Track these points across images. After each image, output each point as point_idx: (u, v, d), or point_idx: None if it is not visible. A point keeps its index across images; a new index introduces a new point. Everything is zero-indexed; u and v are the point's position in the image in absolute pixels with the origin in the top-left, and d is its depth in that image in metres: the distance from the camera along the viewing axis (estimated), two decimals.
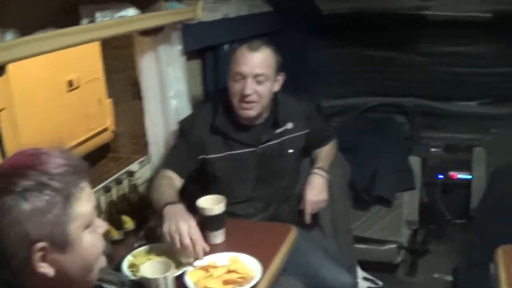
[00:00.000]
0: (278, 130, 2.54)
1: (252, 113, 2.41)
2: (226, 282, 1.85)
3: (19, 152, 1.20)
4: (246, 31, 3.12)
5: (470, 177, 4.08)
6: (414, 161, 3.91)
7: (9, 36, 1.58)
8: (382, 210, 3.62)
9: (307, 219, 2.59)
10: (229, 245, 2.14)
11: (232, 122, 2.48)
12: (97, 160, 2.80)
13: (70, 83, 3.25)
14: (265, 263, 1.97)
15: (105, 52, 2.63)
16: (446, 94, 4.44)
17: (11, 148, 1.80)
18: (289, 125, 2.56)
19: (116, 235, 2.24)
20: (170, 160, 2.46)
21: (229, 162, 2.48)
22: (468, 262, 3.15)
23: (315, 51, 4.28)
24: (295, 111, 2.61)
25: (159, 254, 2.05)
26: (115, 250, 2.13)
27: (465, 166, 4.15)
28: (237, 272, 1.90)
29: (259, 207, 2.58)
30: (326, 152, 2.79)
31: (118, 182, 2.38)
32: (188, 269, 1.94)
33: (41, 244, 1.09)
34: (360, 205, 3.61)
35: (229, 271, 1.91)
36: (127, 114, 2.73)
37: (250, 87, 2.35)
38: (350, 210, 3.34)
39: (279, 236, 2.24)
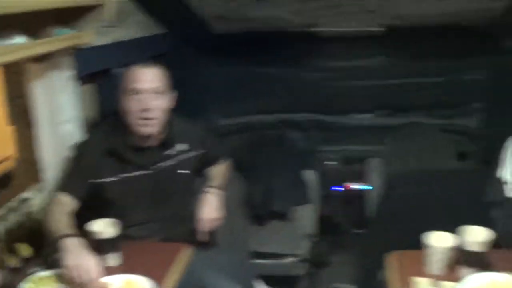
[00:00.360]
0: (172, 151, 2.66)
1: (152, 129, 2.51)
2: None
3: None
4: (139, 53, 3.21)
5: (366, 187, 4.32)
6: (310, 175, 4.11)
7: None
8: (280, 225, 3.80)
9: (203, 237, 2.72)
10: (125, 268, 2.24)
11: (127, 144, 2.57)
12: None
13: None
14: (160, 284, 2.11)
15: (6, 77, 2.62)
16: (341, 107, 4.70)
17: None
18: (183, 146, 2.69)
19: (13, 263, 2.27)
20: (65, 184, 2.53)
21: (123, 185, 2.56)
22: (366, 270, 3.33)
23: (210, 70, 4.36)
24: (189, 131, 2.75)
25: (58, 281, 2.14)
26: (13, 278, 2.19)
27: (362, 177, 4.41)
28: None
29: (155, 229, 2.66)
30: (220, 171, 2.94)
31: (14, 210, 2.45)
32: None
33: None
34: (257, 221, 3.77)
35: None
36: (22, 140, 2.74)
37: (149, 102, 2.46)
38: (247, 226, 3.49)
39: (173, 256, 2.37)
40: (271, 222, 3.84)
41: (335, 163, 4.61)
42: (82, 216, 2.45)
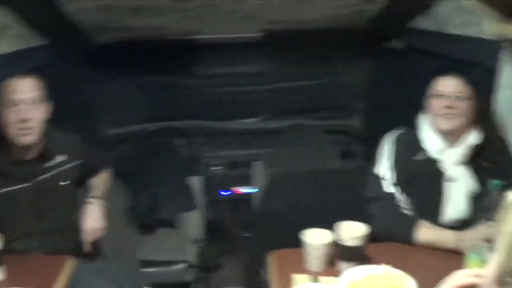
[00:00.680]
0: (52, 163, 2.66)
1: (31, 138, 2.50)
2: None
3: None
4: (19, 66, 3.09)
5: (253, 190, 4.35)
6: (196, 181, 4.14)
7: None
8: (167, 232, 3.80)
9: (86, 248, 2.73)
10: (9, 282, 2.18)
11: (8, 158, 2.55)
12: None
13: None
14: None
15: None
16: (225, 113, 4.77)
17: None
18: (62, 157, 2.70)
19: None
20: None
21: (5, 199, 2.54)
22: (252, 271, 3.38)
23: (95, 81, 4.32)
24: (67, 142, 2.75)
25: None
26: None
27: (248, 180, 4.45)
28: None
29: (39, 242, 2.63)
30: (101, 181, 2.97)
31: None
32: None
33: None
34: (145, 229, 3.76)
35: None
36: None
37: (27, 112, 2.46)
38: (134, 235, 3.48)
39: (58, 269, 2.34)
40: (159, 230, 3.84)
41: (221, 168, 4.65)
42: None
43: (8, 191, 2.56)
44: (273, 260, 2.31)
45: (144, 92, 4.56)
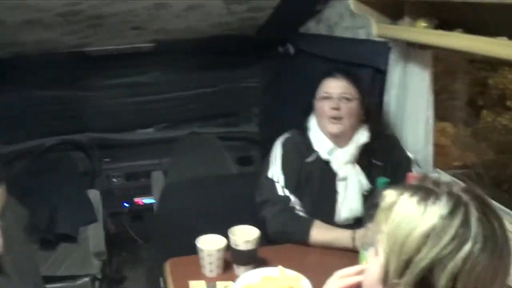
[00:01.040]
0: None
1: None
2: None
3: None
4: None
5: (154, 200, 4.31)
6: (95, 194, 4.04)
7: None
8: (69, 247, 3.68)
9: None
10: None
11: None
12: None
13: None
14: None
15: None
16: (122, 124, 4.71)
17: None
18: None
19: None
20: None
21: None
22: (153, 281, 3.37)
23: None
24: None
25: None
26: None
27: (148, 191, 4.44)
28: None
29: None
30: None
31: None
32: None
33: None
34: (46, 245, 3.63)
35: None
36: None
37: None
38: (33, 252, 3.36)
39: None
40: (61, 244, 3.71)
41: (121, 179, 4.58)
42: None
43: None
44: (169, 268, 2.27)
45: (38, 107, 4.41)
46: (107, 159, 4.61)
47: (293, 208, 2.50)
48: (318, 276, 1.74)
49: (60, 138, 4.55)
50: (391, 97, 2.82)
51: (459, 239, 1.11)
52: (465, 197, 1.16)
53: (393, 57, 2.74)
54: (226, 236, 2.19)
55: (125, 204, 4.54)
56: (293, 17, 3.65)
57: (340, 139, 2.54)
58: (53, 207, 3.72)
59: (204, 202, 3.21)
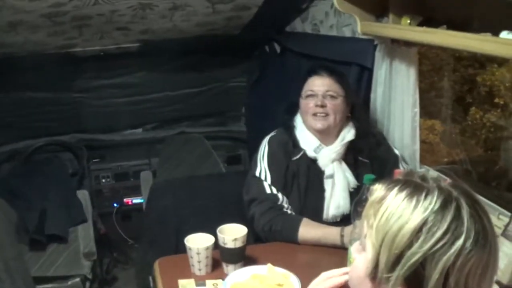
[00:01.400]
0: None
1: None
2: None
3: None
4: None
5: (143, 200, 4.31)
6: (84, 195, 4.04)
7: None
8: (59, 247, 3.65)
9: None
10: None
11: None
12: None
13: None
14: None
15: None
16: (110, 125, 4.70)
17: None
18: None
19: None
20: None
21: None
22: (142, 280, 3.36)
23: None
24: None
25: None
26: None
27: (137, 191, 4.44)
28: None
29: None
30: None
31: None
32: None
33: None
34: (36, 246, 3.59)
35: None
36: None
37: None
38: (23, 253, 3.35)
39: None
40: (51, 245, 3.67)
41: (109, 179, 4.53)
42: None
43: None
44: (158, 267, 2.25)
45: (26, 108, 4.39)
46: (95, 160, 4.57)
47: (281, 206, 2.49)
48: (307, 273, 1.73)
49: (49, 139, 4.51)
50: (378, 94, 2.81)
51: (452, 234, 1.10)
52: (454, 192, 1.15)
53: (378, 55, 2.74)
54: (215, 235, 2.18)
55: (115, 204, 4.52)
56: (278, 15, 3.64)
57: (326, 137, 2.53)
58: (42, 208, 3.70)
59: (193, 201, 3.19)
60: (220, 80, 4.79)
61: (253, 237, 2.44)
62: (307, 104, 2.53)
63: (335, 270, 1.47)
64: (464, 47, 1.94)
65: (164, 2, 3.20)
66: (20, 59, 3.88)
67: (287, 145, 2.58)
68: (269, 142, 2.62)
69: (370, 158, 2.59)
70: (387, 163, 2.56)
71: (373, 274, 1.19)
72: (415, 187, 1.17)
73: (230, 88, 4.85)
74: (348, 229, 2.28)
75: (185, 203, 3.17)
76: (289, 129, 2.60)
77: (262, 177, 2.55)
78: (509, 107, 3.70)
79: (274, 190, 2.51)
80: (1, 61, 3.84)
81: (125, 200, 4.54)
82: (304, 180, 2.55)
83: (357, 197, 2.10)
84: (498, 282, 1.88)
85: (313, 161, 2.54)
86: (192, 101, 4.75)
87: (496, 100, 3.74)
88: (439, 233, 1.10)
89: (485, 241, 1.12)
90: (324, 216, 2.53)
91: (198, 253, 2.12)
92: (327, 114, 2.49)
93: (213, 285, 2.07)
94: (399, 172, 2.18)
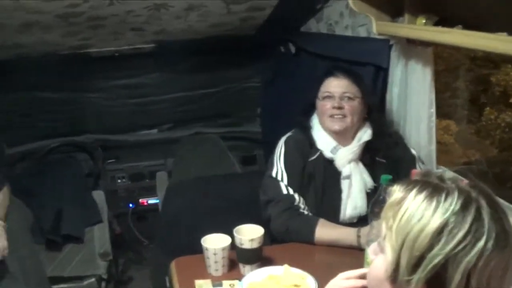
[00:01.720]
0: None
1: None
2: None
3: None
4: None
5: (158, 201, 4.35)
6: (99, 195, 4.06)
7: None
8: (75, 247, 3.68)
9: None
10: None
11: None
12: None
13: None
14: None
15: None
16: (125, 125, 4.72)
17: None
18: None
19: None
20: None
21: None
22: (158, 280, 3.37)
23: None
24: None
25: None
26: None
27: (153, 191, 4.46)
28: None
29: None
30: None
31: None
32: None
33: None
34: (52, 246, 3.63)
35: None
36: None
37: None
38: (38, 253, 3.37)
39: None
40: (66, 245, 3.71)
41: (125, 180, 4.55)
42: None
43: None
44: (175, 268, 2.26)
45: (41, 109, 4.43)
46: (111, 160, 4.60)
47: (297, 207, 2.48)
48: (324, 274, 1.74)
49: (64, 140, 4.55)
50: (393, 95, 2.81)
51: (473, 235, 1.09)
52: (474, 193, 1.15)
53: (394, 55, 2.73)
54: (231, 235, 2.18)
55: (130, 205, 4.54)
56: (293, 16, 3.64)
57: (343, 137, 2.53)
58: (57, 208, 3.72)
59: (208, 201, 3.20)
60: (235, 81, 4.80)
61: (269, 238, 2.44)
62: (324, 105, 2.52)
63: (352, 271, 1.47)
64: (480, 46, 1.93)
65: (179, 2, 3.21)
66: (35, 60, 3.91)
67: (304, 146, 2.58)
68: (286, 142, 2.62)
69: (387, 158, 2.58)
70: (404, 163, 2.54)
71: (393, 277, 1.18)
72: (434, 188, 1.16)
73: (245, 88, 4.86)
74: (364, 230, 2.27)
75: (200, 204, 3.18)
76: (306, 129, 2.60)
77: (279, 178, 2.54)
78: None
79: (291, 191, 2.50)
80: (16, 62, 3.89)
81: (140, 200, 4.56)
82: (320, 180, 2.55)
83: (374, 197, 2.09)
84: None
85: (330, 161, 2.53)
86: (207, 102, 4.76)
87: (511, 100, 3.72)
88: (460, 235, 1.09)
89: (505, 242, 1.11)
90: (341, 217, 2.53)
91: (215, 254, 2.13)
92: (344, 116, 2.49)
93: (230, 285, 2.07)
94: (416, 172, 2.17)
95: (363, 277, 1.41)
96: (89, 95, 4.51)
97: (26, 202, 3.42)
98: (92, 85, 4.48)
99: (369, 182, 2.52)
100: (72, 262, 3.65)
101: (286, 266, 2.05)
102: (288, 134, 2.66)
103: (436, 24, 2.29)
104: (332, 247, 2.37)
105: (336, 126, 2.49)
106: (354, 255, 2.23)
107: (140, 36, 3.82)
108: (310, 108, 2.63)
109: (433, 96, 2.58)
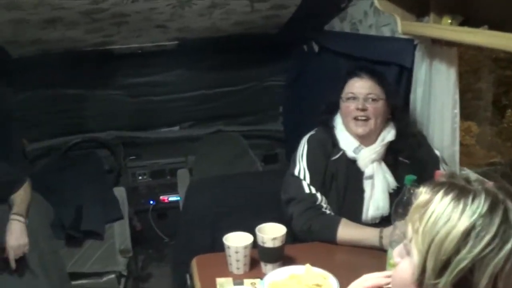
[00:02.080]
0: None
1: None
2: None
3: None
4: None
5: (179, 198, 4.36)
6: (121, 192, 4.08)
7: None
8: (95, 243, 3.70)
9: (12, 265, 2.68)
10: None
11: None
12: None
13: None
14: None
15: None
16: (146, 122, 4.77)
17: None
18: None
19: None
20: None
21: None
22: (179, 278, 3.38)
23: (12, 95, 4.26)
24: None
25: None
26: None
27: (174, 188, 4.47)
28: None
29: None
30: (21, 197, 2.88)
31: None
32: None
33: None
34: (72, 242, 3.65)
35: None
36: None
37: None
38: (59, 248, 3.40)
39: None
40: (88, 241, 3.73)
41: (145, 177, 4.59)
42: None
43: None
44: (196, 265, 2.27)
45: (63, 105, 4.48)
46: (132, 157, 4.64)
47: (319, 206, 2.48)
48: (345, 274, 1.74)
49: (86, 136, 4.60)
50: (417, 95, 2.80)
51: (500, 238, 1.08)
52: (501, 195, 1.13)
53: (418, 55, 2.72)
54: (252, 234, 2.19)
55: (151, 202, 4.58)
56: (317, 14, 3.64)
57: (366, 138, 2.51)
58: (78, 204, 3.75)
59: (229, 199, 3.21)
60: (258, 79, 4.81)
61: (291, 237, 2.44)
62: (348, 107, 2.52)
63: (377, 273, 1.47)
64: (506, 47, 1.92)
65: (203, 0, 3.22)
66: (58, 56, 3.94)
67: (327, 145, 2.58)
68: (309, 141, 2.62)
69: (410, 158, 2.56)
70: (428, 164, 2.52)
71: (420, 281, 1.17)
72: (461, 189, 1.15)
73: (268, 87, 4.87)
74: (387, 230, 2.27)
75: (221, 202, 3.19)
76: (329, 128, 2.60)
77: (301, 177, 2.54)
78: None
79: (313, 190, 2.51)
80: (38, 58, 3.91)
81: (161, 197, 4.60)
82: (343, 180, 2.54)
83: (398, 198, 2.08)
84: None
85: (353, 161, 2.53)
86: (229, 100, 4.78)
87: None
88: (487, 238, 1.08)
89: None
90: (363, 217, 2.52)
91: (236, 252, 2.14)
92: (368, 118, 2.48)
93: (251, 284, 2.08)
94: (441, 173, 2.17)
95: (387, 277, 1.42)
96: (111, 92, 4.54)
97: (47, 198, 3.45)
98: (114, 82, 4.52)
99: (392, 183, 2.51)
100: (92, 258, 3.67)
101: (307, 265, 2.05)
102: (311, 133, 2.66)
103: (462, 24, 2.29)
104: (354, 247, 2.37)
105: (360, 129, 2.48)
106: (376, 256, 2.22)
107: (163, 33, 3.83)
108: (333, 108, 2.62)
109: (457, 96, 2.56)
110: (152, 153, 4.69)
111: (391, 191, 2.50)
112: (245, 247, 2.14)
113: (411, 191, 1.98)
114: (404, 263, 1.24)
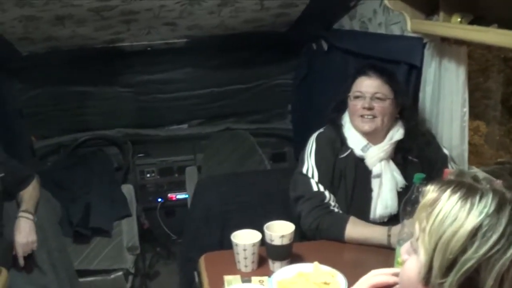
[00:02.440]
0: None
1: None
2: None
3: None
4: None
5: (187, 196, 4.38)
6: (129, 189, 4.10)
7: None
8: (103, 241, 3.72)
9: (21, 262, 2.70)
10: None
11: None
12: None
13: None
14: None
15: None
16: (155, 120, 4.78)
17: None
18: None
19: None
20: None
21: None
22: (187, 275, 3.38)
23: (21, 92, 4.28)
24: None
25: None
26: None
27: (182, 186, 4.50)
28: None
29: None
30: (29, 194, 2.90)
31: None
32: None
33: None
34: (80, 239, 3.68)
35: None
36: None
37: None
38: (66, 245, 3.41)
39: None
40: (95, 238, 3.76)
41: (154, 174, 4.60)
42: None
43: None
44: (204, 263, 2.28)
45: (71, 102, 4.50)
46: (140, 155, 4.66)
47: (328, 204, 2.48)
48: (353, 272, 1.75)
49: (94, 133, 4.62)
50: (426, 93, 2.79)
51: (507, 238, 1.08)
52: (508, 194, 1.13)
53: (427, 53, 2.71)
54: (260, 231, 2.19)
55: (159, 200, 4.60)
56: (326, 13, 3.64)
57: (374, 136, 2.52)
58: (86, 201, 3.77)
59: (237, 197, 3.22)
60: (267, 77, 4.81)
61: (299, 235, 2.45)
62: (355, 105, 2.52)
63: (385, 269, 1.48)
64: None
65: None
66: (67, 53, 3.95)
67: (335, 143, 2.58)
68: (317, 139, 2.62)
69: (419, 157, 2.56)
70: (436, 163, 2.53)
71: (426, 279, 1.18)
72: (468, 188, 1.15)
73: (276, 85, 4.86)
74: (395, 229, 2.27)
75: (229, 200, 3.20)
76: (337, 127, 2.60)
77: (309, 175, 2.55)
78: None
79: (321, 188, 2.51)
80: (48, 55, 3.93)
81: (169, 195, 4.62)
82: (351, 178, 2.54)
83: (406, 196, 2.08)
84: None
85: (361, 160, 2.53)
86: (238, 98, 4.78)
87: None
88: (494, 238, 1.08)
89: None
90: (371, 216, 2.52)
91: (244, 250, 2.14)
92: (374, 116, 2.48)
93: (259, 281, 2.08)
94: (449, 171, 2.16)
95: (395, 276, 1.42)
96: (121, 89, 4.55)
97: (55, 195, 3.47)
98: (123, 80, 4.52)
99: (400, 181, 2.51)
100: (99, 255, 3.70)
101: (316, 263, 2.06)
102: (320, 130, 2.67)
103: (471, 23, 2.28)
104: (362, 245, 2.37)
105: (366, 126, 2.49)
106: (384, 254, 2.23)
107: (172, 31, 3.83)
108: (342, 106, 2.62)
109: (466, 95, 2.56)
110: (160, 151, 4.70)
111: (400, 189, 2.50)
112: (253, 245, 2.15)
113: (420, 190, 1.97)
114: (411, 262, 1.25)
